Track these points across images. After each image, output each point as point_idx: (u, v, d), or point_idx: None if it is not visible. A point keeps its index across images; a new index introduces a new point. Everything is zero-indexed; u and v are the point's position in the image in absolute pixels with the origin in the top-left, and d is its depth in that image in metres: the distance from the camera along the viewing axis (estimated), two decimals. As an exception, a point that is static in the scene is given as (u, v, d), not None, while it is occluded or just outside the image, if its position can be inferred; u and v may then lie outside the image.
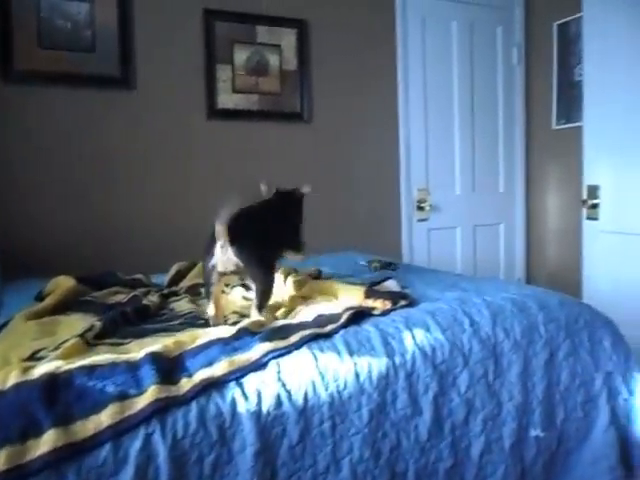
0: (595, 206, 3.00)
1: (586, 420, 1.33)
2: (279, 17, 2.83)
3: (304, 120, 2.92)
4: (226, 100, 2.74)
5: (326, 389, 1.05)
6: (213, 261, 1.29)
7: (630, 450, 1.38)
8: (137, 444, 0.88)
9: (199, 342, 1.15)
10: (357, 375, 1.08)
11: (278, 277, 1.78)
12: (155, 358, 1.04)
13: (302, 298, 1.64)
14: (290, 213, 1.63)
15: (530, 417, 1.25)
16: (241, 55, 2.76)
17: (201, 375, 1.01)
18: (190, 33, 2.66)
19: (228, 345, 1.13)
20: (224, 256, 1.27)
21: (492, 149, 3.54)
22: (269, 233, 1.43)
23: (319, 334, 1.19)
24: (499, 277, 3.60)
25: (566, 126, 3.37)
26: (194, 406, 0.95)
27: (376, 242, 3.08)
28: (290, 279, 1.74)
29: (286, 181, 2.84)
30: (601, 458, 1.32)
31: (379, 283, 1.75)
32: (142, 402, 0.92)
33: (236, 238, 1.26)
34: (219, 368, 1.03)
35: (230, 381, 1.01)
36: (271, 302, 1.45)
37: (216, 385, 0.99)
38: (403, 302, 1.43)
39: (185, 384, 0.98)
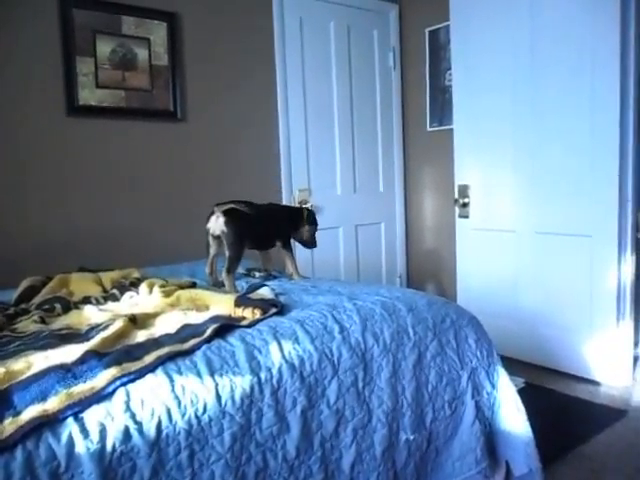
0: (466, 205, 3.16)
1: (453, 417, 1.36)
2: (147, 8, 2.65)
3: (177, 118, 2.77)
4: (88, 96, 2.51)
5: (183, 415, 0.95)
6: (209, 225, 1.81)
7: (494, 441, 1.43)
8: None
9: (34, 370, 1.00)
10: (218, 396, 1.00)
11: (143, 287, 1.65)
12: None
13: (170, 307, 1.53)
14: (282, 218, 2.10)
15: (400, 421, 1.24)
16: (104, 47, 2.55)
17: (31, 412, 0.87)
18: (45, 21, 2.40)
19: (69, 372, 1.00)
20: (216, 222, 1.78)
21: (372, 150, 3.62)
22: (257, 225, 1.92)
23: (178, 352, 1.09)
24: (381, 277, 3.68)
25: (439, 128, 3.53)
26: (19, 452, 0.81)
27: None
28: (156, 289, 1.62)
29: (159, 181, 2.72)
30: (468, 452, 1.36)
31: (253, 291, 1.68)
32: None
33: (229, 214, 1.77)
34: (54, 402, 0.90)
35: (67, 417, 0.88)
36: (137, 312, 1.38)
37: (49, 423, 0.86)
38: (273, 310, 1.37)
39: (8, 426, 0.84)
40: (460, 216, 3.20)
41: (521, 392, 1.45)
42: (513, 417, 1.42)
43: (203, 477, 0.95)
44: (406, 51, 3.71)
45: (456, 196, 3.19)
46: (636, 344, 2.81)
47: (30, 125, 2.38)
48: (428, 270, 3.76)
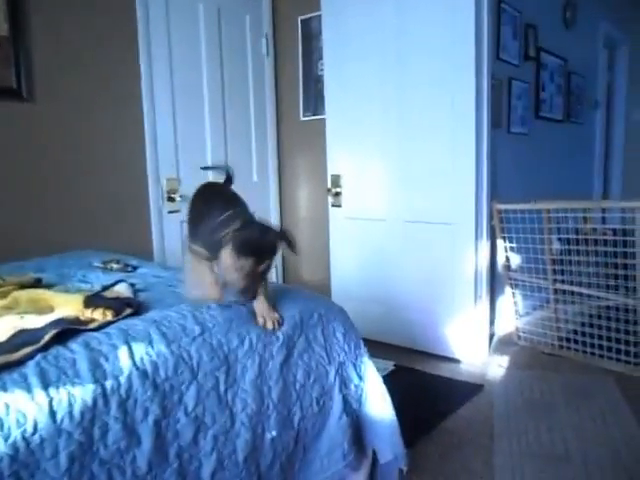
0: (338, 194, 3.20)
1: (321, 413, 1.34)
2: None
3: (23, 98, 2.45)
4: None
5: (6, 439, 0.82)
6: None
7: (362, 432, 1.44)
8: None
9: None
10: (53, 413, 0.88)
11: None
12: None
13: (6, 309, 1.34)
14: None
15: (266, 423, 1.19)
16: None
17: None
18: None
19: None
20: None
21: (245, 138, 3.52)
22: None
23: (5, 363, 0.94)
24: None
25: (312, 118, 3.52)
26: None
27: (121, 238, 2.79)
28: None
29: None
30: (336, 447, 1.35)
31: (109, 288, 1.53)
32: None
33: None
34: None
35: None
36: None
37: None
38: (128, 311, 1.25)
39: None
40: (333, 205, 3.24)
41: (391, 375, 1.49)
42: (379, 407, 1.44)
43: (33, 509, 0.82)
44: (279, 39, 3.65)
45: (329, 186, 3.22)
46: (491, 323, 3.05)
47: None
48: (303, 260, 3.77)
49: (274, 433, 1.20)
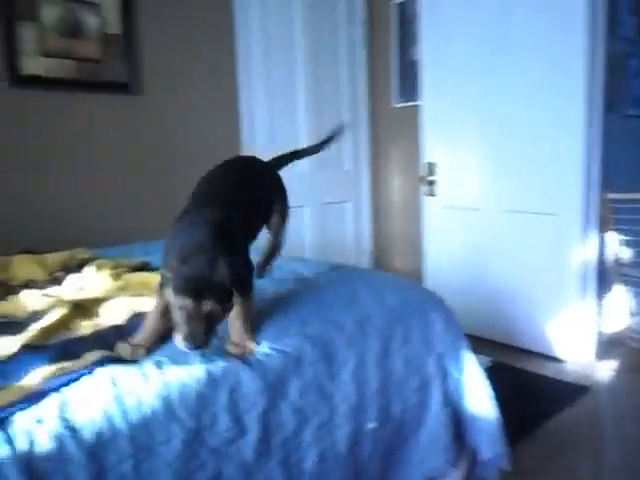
0: (432, 183, 3.11)
1: (420, 405, 1.31)
2: (96, -30, 2.46)
3: (131, 92, 2.60)
4: (33, 65, 2.32)
5: (126, 420, 0.86)
6: None
7: (462, 427, 1.39)
8: None
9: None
10: (167, 399, 0.91)
11: (91, 269, 1.55)
12: None
13: (119, 291, 1.42)
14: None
15: (365, 415, 1.18)
16: (50, 12, 2.35)
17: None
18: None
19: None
20: None
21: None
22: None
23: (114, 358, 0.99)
24: (348, 256, 3.61)
25: (406, 104, 3.44)
26: None
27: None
28: (104, 271, 1.51)
29: (112, 158, 2.57)
30: (436, 440, 1.32)
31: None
32: None
33: None
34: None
35: (-7, 425, 0.78)
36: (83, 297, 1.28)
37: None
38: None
39: None
40: (427, 194, 3.15)
41: (488, 371, 1.42)
42: (480, 402, 1.38)
43: (150, 488, 0.86)
44: (373, 25, 3.59)
45: (423, 174, 3.13)
46: (599, 321, 2.84)
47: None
48: (395, 249, 3.72)
49: (374, 424, 1.18)
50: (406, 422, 1.27)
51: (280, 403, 1.05)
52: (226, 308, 1.00)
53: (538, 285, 2.71)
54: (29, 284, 1.56)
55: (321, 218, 3.46)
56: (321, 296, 1.30)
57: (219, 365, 1.00)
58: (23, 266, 1.68)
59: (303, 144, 3.24)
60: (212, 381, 0.97)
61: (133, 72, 2.59)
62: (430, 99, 3.06)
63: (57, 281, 1.58)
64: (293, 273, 1.54)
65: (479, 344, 2.77)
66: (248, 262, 1.13)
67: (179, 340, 0.95)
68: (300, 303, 1.26)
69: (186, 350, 0.95)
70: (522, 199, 2.73)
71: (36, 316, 1.23)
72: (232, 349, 1.06)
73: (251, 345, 1.08)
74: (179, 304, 0.95)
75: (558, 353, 2.68)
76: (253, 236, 1.27)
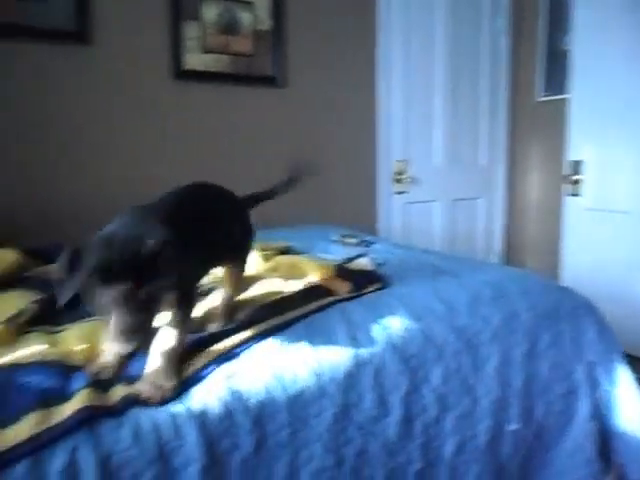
0: (578, 182, 2.91)
1: (566, 413, 1.25)
2: (252, -29, 2.62)
3: (278, 85, 2.74)
4: (194, 60, 2.53)
5: (284, 393, 0.93)
6: None
7: (609, 442, 1.31)
8: (60, 460, 0.75)
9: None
10: (319, 375, 0.97)
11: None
12: (87, 356, 0.92)
13: (271, 272, 1.52)
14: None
15: (507, 412, 1.16)
16: (210, 11, 2.55)
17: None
18: (153, -15, 2.44)
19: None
20: None
21: (474, 120, 3.41)
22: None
23: (278, 326, 1.07)
24: (477, 254, 3.51)
25: (551, 98, 3.25)
26: (127, 418, 0.82)
27: (351, 216, 2.95)
28: (256, 253, 1.62)
29: (257, 148, 2.73)
30: (579, 451, 1.25)
31: (352, 260, 1.63)
32: (69, 409, 0.79)
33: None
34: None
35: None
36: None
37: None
38: (375, 285, 1.32)
39: (120, 389, 0.85)
40: (570, 194, 2.96)
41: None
42: (633, 418, 1.29)
43: (303, 456, 0.92)
44: (519, 13, 3.42)
45: (567, 172, 2.94)
46: None
47: (138, 88, 2.45)
48: (529, 250, 3.54)
49: (515, 425, 1.15)
50: (549, 427, 1.22)
51: (422, 388, 1.06)
52: (162, 293, 0.83)
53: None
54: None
55: (451, 214, 3.39)
56: (466, 289, 1.29)
57: (364, 347, 1.04)
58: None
59: (437, 136, 3.24)
60: (358, 361, 1.01)
61: (280, 66, 2.73)
62: (580, 92, 2.86)
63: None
64: (434, 266, 1.54)
65: (626, 361, 2.57)
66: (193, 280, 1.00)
67: (110, 340, 0.80)
68: (445, 292, 1.26)
69: (120, 352, 0.82)
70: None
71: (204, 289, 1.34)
72: (144, 389, 0.85)
73: (168, 385, 0.86)
74: (110, 296, 0.77)
75: None
76: (203, 272, 1.09)
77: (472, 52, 3.33)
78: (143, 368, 0.90)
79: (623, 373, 1.32)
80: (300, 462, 0.92)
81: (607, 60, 2.71)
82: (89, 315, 1.15)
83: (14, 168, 2.25)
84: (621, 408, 1.30)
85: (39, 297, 1.24)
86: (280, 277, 1.43)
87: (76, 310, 1.22)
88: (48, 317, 1.16)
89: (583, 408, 1.26)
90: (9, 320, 1.06)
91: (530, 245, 3.53)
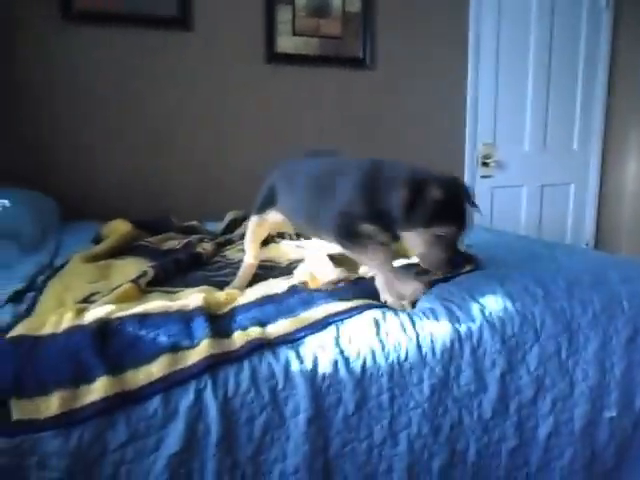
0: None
1: (667, 406, 1.22)
2: (344, -47, 2.63)
3: (367, 67, 2.76)
4: (286, 43, 2.61)
5: (386, 359, 0.97)
6: None
7: None
8: (188, 399, 0.85)
9: (250, 297, 1.10)
10: (419, 346, 1.00)
11: None
12: (207, 310, 1.01)
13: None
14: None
15: (605, 399, 1.14)
16: (302, -6, 2.60)
17: (255, 332, 0.96)
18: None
19: (282, 302, 1.08)
20: None
21: (568, 103, 3.27)
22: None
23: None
24: (566, 241, 3.39)
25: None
26: (246, 365, 0.90)
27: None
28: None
29: (344, 130, 2.77)
30: (680, 446, 1.21)
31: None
32: (195, 356, 0.88)
33: None
34: (275, 328, 0.98)
35: (285, 343, 0.96)
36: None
37: (269, 345, 0.94)
38: (469, 267, 1.33)
39: (238, 338, 0.93)
40: (672, 181, 2.79)
41: None
42: None
43: (401, 420, 0.97)
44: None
45: (670, 158, 2.77)
46: None
47: (234, 72, 2.55)
48: (622, 239, 3.38)
49: (613, 413, 1.14)
50: (649, 418, 1.20)
51: (519, 368, 1.07)
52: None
53: None
54: (280, 235, 1.80)
55: (539, 199, 3.29)
56: (564, 272, 1.28)
57: (464, 323, 1.07)
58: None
59: (527, 120, 3.14)
60: (458, 337, 1.04)
61: (369, 48, 2.74)
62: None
63: (300, 236, 1.79)
64: (530, 249, 1.53)
65: None
66: None
67: (435, 266, 1.01)
68: (542, 275, 1.25)
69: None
70: None
71: (293, 264, 1.42)
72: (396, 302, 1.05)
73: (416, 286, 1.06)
74: (439, 233, 0.96)
75: None
76: None
77: (570, 30, 3.19)
78: (249, 321, 0.99)
79: None
80: (398, 426, 0.96)
81: None
82: (197, 283, 1.25)
83: (128, 150, 2.43)
84: None
85: (155, 263, 1.36)
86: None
87: (185, 276, 1.34)
88: (162, 280, 1.27)
89: (687, 401, 1.21)
90: (134, 280, 1.18)
91: (623, 235, 3.37)
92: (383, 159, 1.12)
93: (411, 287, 1.05)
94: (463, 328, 1.06)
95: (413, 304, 1.09)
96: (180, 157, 2.52)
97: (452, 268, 0.99)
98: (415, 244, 1.01)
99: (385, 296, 1.07)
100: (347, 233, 1.05)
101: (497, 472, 1.06)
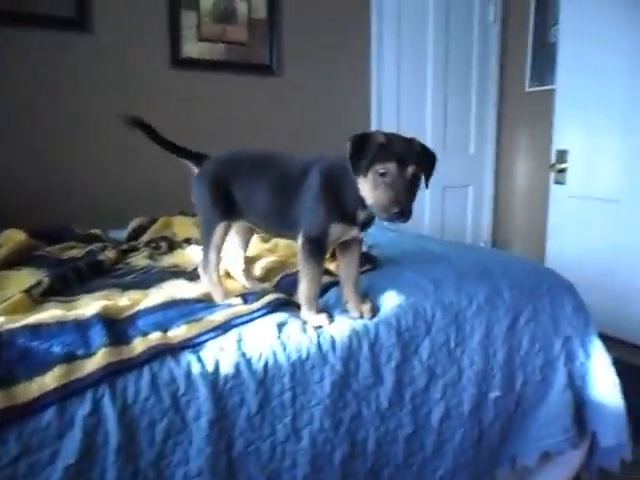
0: (563, 170, 3.01)
1: (544, 383, 1.35)
2: (249, -40, 2.66)
3: (273, 73, 2.80)
4: (191, 49, 2.59)
5: (288, 359, 1.02)
6: None
7: (583, 411, 1.41)
8: (85, 409, 0.85)
9: (154, 301, 1.10)
10: (320, 346, 1.06)
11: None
12: (104, 317, 1.00)
13: (269, 252, 1.60)
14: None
15: (490, 382, 1.25)
16: (207, 1, 2.60)
17: (156, 337, 0.96)
18: (152, -27, 2.48)
19: (188, 307, 1.09)
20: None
21: (464, 110, 3.50)
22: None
23: (285, 301, 1.16)
24: (466, 240, 3.61)
25: (539, 89, 3.34)
26: (146, 371, 0.91)
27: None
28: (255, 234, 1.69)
29: (252, 136, 2.80)
30: (556, 419, 1.35)
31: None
32: (92, 365, 0.88)
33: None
34: (176, 332, 0.99)
35: (188, 347, 0.97)
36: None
37: (171, 350, 0.95)
38: (368, 266, 1.40)
39: (138, 345, 0.93)
40: (556, 182, 3.05)
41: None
42: (605, 388, 1.39)
43: (303, 417, 1.01)
44: (508, 4, 3.50)
45: (553, 161, 3.04)
46: None
47: (137, 76, 2.50)
48: (516, 236, 3.65)
49: (497, 393, 1.25)
50: (528, 396, 1.32)
51: (413, 360, 1.16)
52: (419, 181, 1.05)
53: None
54: (187, 241, 1.79)
55: (440, 201, 3.48)
56: (454, 268, 1.38)
57: (360, 321, 1.13)
58: (182, 225, 1.93)
59: (429, 123, 3.31)
60: (356, 334, 1.10)
61: (276, 55, 2.78)
62: (566, 82, 2.94)
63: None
64: (424, 248, 1.63)
65: (604, 340, 2.66)
66: None
67: (382, 209, 1.00)
68: (434, 272, 1.35)
69: (391, 221, 1.00)
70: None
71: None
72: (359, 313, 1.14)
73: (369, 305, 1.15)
74: (380, 170, 1.00)
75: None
76: None
77: (463, 43, 3.41)
78: (151, 326, 0.99)
79: (597, 348, 1.42)
80: (301, 423, 1.01)
81: (592, 52, 2.80)
82: (98, 288, 1.23)
83: (25, 157, 2.30)
84: (595, 380, 1.40)
85: (51, 272, 1.32)
86: (279, 257, 1.51)
87: (85, 284, 1.31)
88: (59, 289, 1.24)
89: (560, 379, 1.35)
90: (27, 290, 1.14)
91: (518, 232, 3.64)
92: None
93: (317, 319, 1.10)
94: (361, 325, 1.12)
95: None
96: (82, 163, 2.43)
97: (395, 208, 0.98)
98: (365, 190, 1.04)
99: (304, 311, 1.12)
100: (312, 251, 1.10)
101: (395, 459, 1.13)
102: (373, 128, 3.12)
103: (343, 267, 1.19)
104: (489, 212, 3.71)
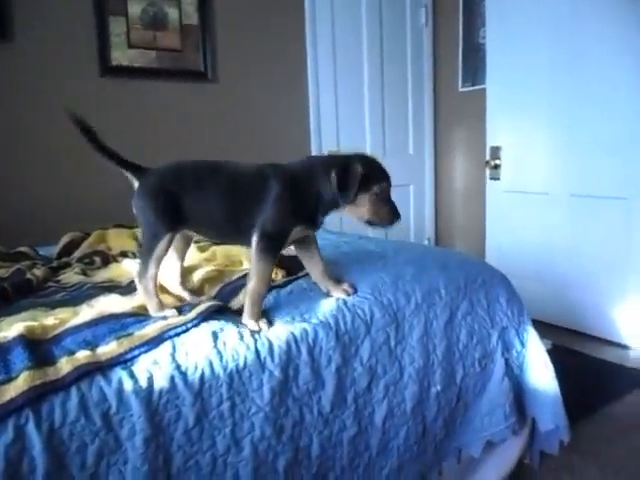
0: (497, 167, 3.11)
1: (483, 374, 1.39)
2: (176, -35, 2.62)
3: (208, 79, 2.76)
4: (121, 56, 2.52)
5: (225, 369, 0.99)
6: None
7: (522, 398, 1.46)
8: (7, 436, 0.80)
9: (83, 318, 1.06)
10: (258, 353, 1.04)
11: None
12: (28, 339, 0.95)
13: (206, 262, 1.57)
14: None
15: (431, 378, 1.27)
16: (136, 7, 2.54)
17: (84, 356, 0.92)
18: (76, -21, 2.40)
19: (118, 322, 1.05)
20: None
21: (402, 111, 3.56)
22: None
23: (220, 308, 1.13)
24: (410, 238, 3.68)
25: (471, 89, 3.44)
26: (74, 392, 0.87)
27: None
28: (193, 244, 1.66)
29: (188, 144, 2.75)
30: (496, 408, 1.39)
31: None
32: (13, 391, 0.83)
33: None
34: (105, 349, 0.95)
35: (119, 364, 0.93)
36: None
37: (101, 368, 0.91)
38: (305, 272, 1.40)
39: (64, 365, 0.89)
40: (491, 178, 3.16)
41: (549, 354, 1.48)
42: (541, 375, 1.44)
43: (244, 427, 1.00)
44: (439, 8, 3.59)
45: (487, 158, 3.14)
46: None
47: (65, 85, 2.41)
48: (457, 232, 3.75)
49: (439, 388, 1.27)
50: (469, 388, 1.35)
51: (353, 361, 1.16)
52: None
53: (606, 271, 2.69)
54: (123, 254, 1.74)
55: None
56: (391, 267, 1.40)
57: (300, 326, 1.12)
58: (118, 238, 1.87)
59: (367, 127, 3.36)
60: (294, 338, 1.10)
61: (210, 62, 2.75)
62: (495, 82, 3.06)
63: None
64: (362, 248, 1.65)
65: (539, 327, 2.71)
66: None
67: (386, 220, 1.20)
68: (371, 272, 1.36)
69: (390, 226, 1.21)
70: (591, 183, 2.70)
71: (134, 283, 1.38)
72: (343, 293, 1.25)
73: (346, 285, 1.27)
74: (377, 191, 1.16)
75: (623, 339, 2.66)
76: None
77: (396, 46, 3.48)
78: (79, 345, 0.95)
79: (532, 336, 1.47)
80: (241, 432, 0.99)
81: (517, 52, 2.92)
82: (24, 309, 1.17)
83: None
84: (531, 367, 1.45)
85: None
86: (217, 266, 1.48)
87: (10, 305, 1.25)
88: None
89: (498, 369, 1.39)
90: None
91: (458, 228, 3.74)
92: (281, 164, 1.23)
93: (255, 325, 1.10)
94: (299, 330, 1.11)
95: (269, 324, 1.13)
96: (4, 179, 2.31)
97: (395, 216, 1.20)
98: (364, 207, 1.18)
99: (245, 313, 1.12)
100: (268, 248, 1.13)
101: (340, 461, 1.13)
102: (311, 134, 3.14)
103: (307, 260, 1.26)
104: (431, 210, 3.79)
